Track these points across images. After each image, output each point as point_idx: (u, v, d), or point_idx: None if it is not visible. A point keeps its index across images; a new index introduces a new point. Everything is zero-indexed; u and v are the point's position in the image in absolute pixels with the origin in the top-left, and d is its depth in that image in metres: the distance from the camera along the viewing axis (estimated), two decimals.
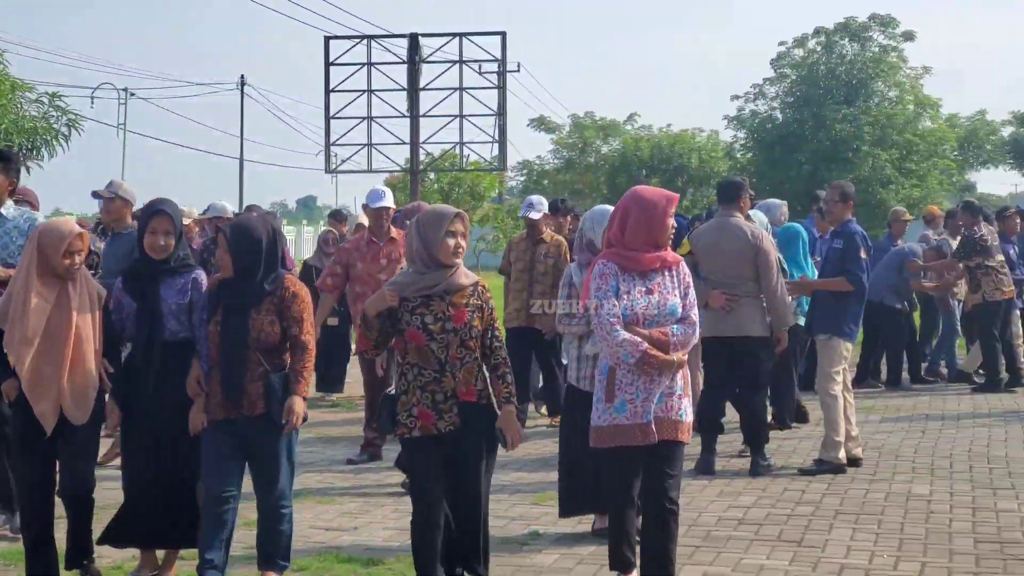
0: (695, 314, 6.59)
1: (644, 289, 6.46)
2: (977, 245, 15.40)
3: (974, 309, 15.79)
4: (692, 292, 6.61)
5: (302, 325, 6.82)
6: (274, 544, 6.91)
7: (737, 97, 51.84)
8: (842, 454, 10.30)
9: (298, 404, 6.75)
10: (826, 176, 38.42)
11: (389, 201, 11.15)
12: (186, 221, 12.48)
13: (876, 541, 8.08)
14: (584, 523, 8.41)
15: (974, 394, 15.05)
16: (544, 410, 13.12)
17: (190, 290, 7.08)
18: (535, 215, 12.43)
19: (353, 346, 14.14)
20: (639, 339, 6.34)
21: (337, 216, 18.71)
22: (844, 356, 10.44)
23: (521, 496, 9.46)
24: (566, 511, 8.21)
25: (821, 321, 10.53)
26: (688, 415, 6.60)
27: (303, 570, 7.41)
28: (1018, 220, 16.78)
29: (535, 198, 12.85)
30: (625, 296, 6.41)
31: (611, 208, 7.31)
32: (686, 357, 6.57)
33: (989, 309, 15.44)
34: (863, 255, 10.37)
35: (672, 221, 6.60)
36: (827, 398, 10.36)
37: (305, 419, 6.83)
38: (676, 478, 6.58)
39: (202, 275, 7.23)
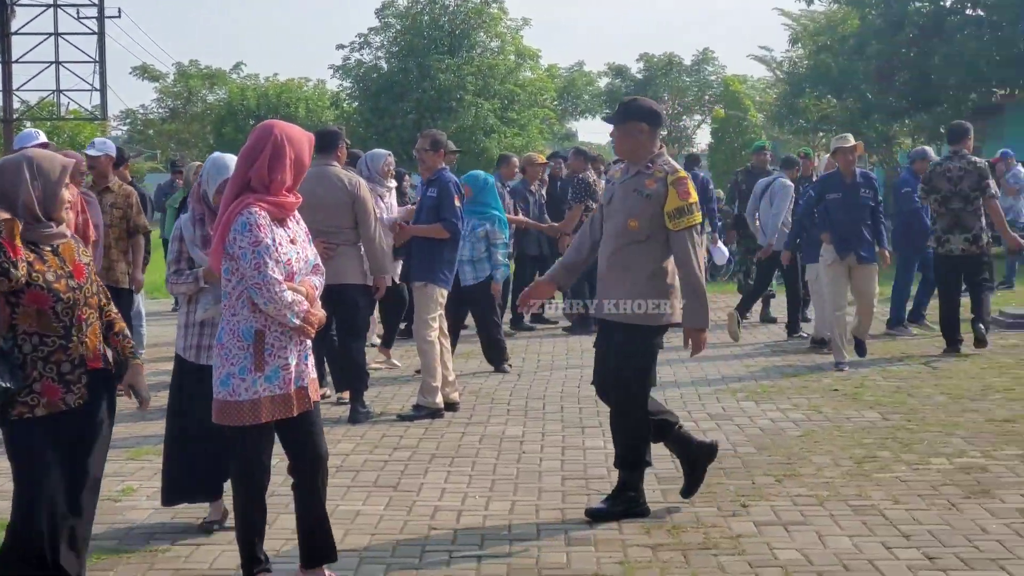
0: (320, 261, 6.22)
1: (288, 239, 5.90)
2: (589, 188, 15.91)
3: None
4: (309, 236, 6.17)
5: None
6: None
7: (343, 47, 52.05)
8: (439, 399, 10.51)
9: None
10: (431, 125, 38.98)
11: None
12: None
13: (469, 483, 8.28)
14: None
15: (568, 336, 15.60)
16: None
17: None
18: (94, 152, 11.74)
19: None
20: (301, 298, 5.85)
21: None
22: (440, 303, 10.62)
23: (115, 452, 9.14)
24: (171, 499, 7.38)
25: (418, 269, 10.68)
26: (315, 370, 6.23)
27: None
28: None
29: (99, 140, 12.34)
30: (279, 248, 5.81)
31: (229, 157, 6.88)
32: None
33: None
34: (457, 203, 10.59)
35: None
36: (424, 344, 10.53)
37: None
38: (323, 439, 6.22)
39: None
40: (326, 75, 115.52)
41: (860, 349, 13.16)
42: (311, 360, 6.08)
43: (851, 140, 13.33)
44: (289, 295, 5.76)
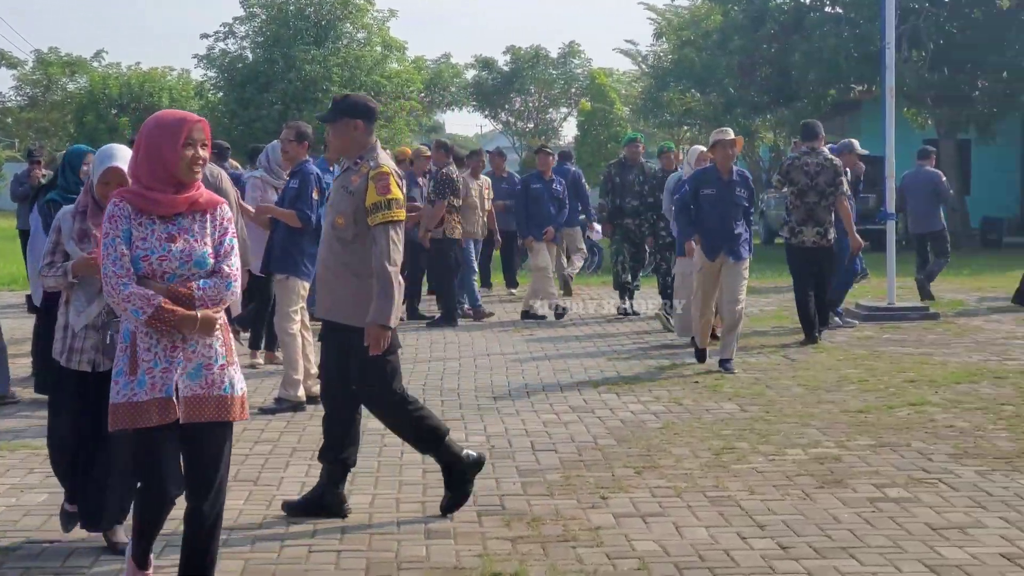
0: (231, 265, 5.61)
1: (165, 235, 5.46)
2: (452, 184, 15.80)
3: (432, 245, 16.12)
4: (230, 240, 5.64)
5: None
6: None
7: (207, 36, 51.43)
8: (301, 392, 10.45)
9: None
10: (297, 116, 38.80)
11: None
12: None
13: None
14: (36, 472, 8.15)
15: (430, 329, 15.59)
16: None
17: None
18: None
19: None
20: (152, 292, 5.36)
21: None
22: (301, 295, 10.57)
23: None
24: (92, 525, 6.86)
25: (279, 261, 10.61)
26: (237, 387, 5.69)
27: None
28: (551, 158, 17.50)
29: None
30: (140, 243, 5.42)
31: (117, 147, 6.70)
32: (218, 316, 5.57)
33: (445, 246, 15.95)
34: (315, 195, 10.54)
35: (197, 152, 5.47)
36: (286, 337, 10.48)
37: None
38: (220, 467, 5.63)
39: None
40: (190, 64, 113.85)
41: (725, 365, 12.29)
42: (216, 375, 5.58)
43: (731, 133, 12.66)
44: (131, 289, 5.35)
